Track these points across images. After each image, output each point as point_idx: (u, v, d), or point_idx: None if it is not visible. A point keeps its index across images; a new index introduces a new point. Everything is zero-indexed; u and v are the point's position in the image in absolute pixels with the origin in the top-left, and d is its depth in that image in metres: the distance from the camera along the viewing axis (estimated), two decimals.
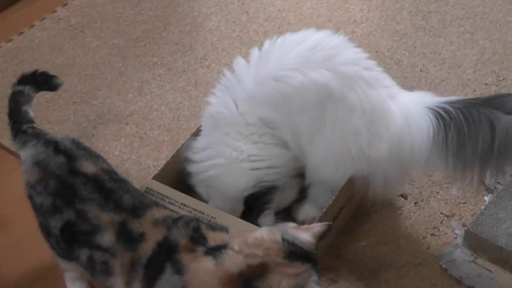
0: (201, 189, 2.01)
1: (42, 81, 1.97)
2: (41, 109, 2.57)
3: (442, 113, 1.78)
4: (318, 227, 1.51)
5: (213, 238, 1.54)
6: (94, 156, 1.71)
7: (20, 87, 1.91)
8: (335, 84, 1.82)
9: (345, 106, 1.83)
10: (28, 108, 1.88)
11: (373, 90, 1.85)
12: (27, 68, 2.71)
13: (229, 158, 1.93)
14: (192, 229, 1.56)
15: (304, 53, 1.85)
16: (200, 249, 1.51)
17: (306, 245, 1.48)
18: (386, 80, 1.93)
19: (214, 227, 1.58)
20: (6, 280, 2.05)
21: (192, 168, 2.01)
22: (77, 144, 1.73)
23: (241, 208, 1.93)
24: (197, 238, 1.54)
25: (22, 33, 2.94)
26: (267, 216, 1.92)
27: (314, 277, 1.46)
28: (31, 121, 1.84)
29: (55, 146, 1.70)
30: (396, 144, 1.84)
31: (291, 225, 1.54)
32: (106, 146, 2.41)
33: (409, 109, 1.85)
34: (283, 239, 1.47)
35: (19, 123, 1.82)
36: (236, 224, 1.81)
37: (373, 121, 1.84)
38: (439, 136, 1.77)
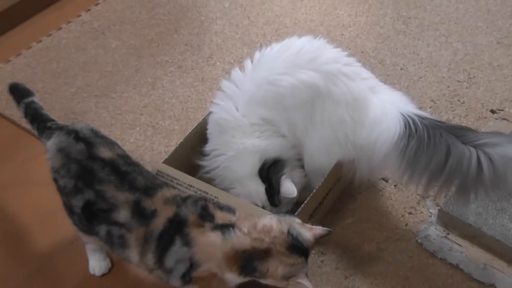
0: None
1: (21, 87, 1.94)
2: (67, 101, 2.56)
3: (411, 123, 1.77)
4: (319, 230, 1.52)
5: (220, 217, 1.54)
6: (110, 143, 1.71)
7: (29, 99, 1.88)
8: (320, 82, 1.82)
9: (331, 100, 1.83)
10: (45, 112, 1.86)
11: (354, 82, 1.85)
12: (55, 66, 2.74)
13: (236, 149, 1.93)
14: (200, 207, 1.56)
15: (291, 58, 1.87)
16: (208, 225, 1.52)
17: (306, 242, 1.50)
18: (365, 73, 1.93)
19: (221, 207, 1.58)
20: (36, 251, 2.06)
21: (205, 171, 2.00)
22: (95, 132, 1.73)
23: (261, 186, 1.90)
24: (205, 215, 1.54)
25: (50, 34, 2.92)
26: (285, 183, 1.87)
27: (305, 269, 1.49)
28: (53, 120, 1.83)
29: (75, 134, 1.70)
30: (370, 132, 1.84)
31: (297, 220, 1.55)
32: (123, 134, 2.40)
33: (386, 107, 1.84)
34: (289, 232, 1.47)
35: (43, 122, 1.81)
36: (237, 202, 1.80)
37: (355, 110, 1.84)
38: (401, 142, 1.76)
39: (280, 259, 1.45)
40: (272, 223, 1.50)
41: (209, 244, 1.48)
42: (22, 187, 2.27)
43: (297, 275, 1.47)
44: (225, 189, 1.94)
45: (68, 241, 2.04)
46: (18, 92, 1.91)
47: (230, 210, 1.57)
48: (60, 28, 2.95)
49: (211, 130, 2.02)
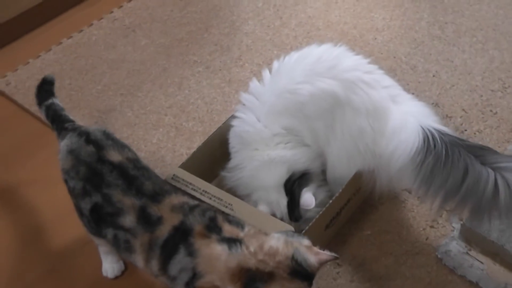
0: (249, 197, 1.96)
1: (48, 87, 1.98)
2: (92, 99, 2.58)
3: (430, 139, 1.73)
4: (325, 256, 1.48)
5: (228, 231, 1.52)
6: (120, 146, 1.71)
7: (49, 101, 1.92)
8: (340, 90, 1.80)
9: (350, 109, 1.81)
10: (66, 113, 1.90)
11: (374, 90, 1.82)
12: (83, 62, 2.76)
13: (261, 161, 1.91)
14: (208, 218, 1.55)
15: (310, 67, 1.85)
16: (214, 237, 1.50)
17: (310, 268, 1.46)
18: (387, 80, 1.90)
19: (230, 221, 1.56)
20: (53, 249, 2.08)
21: (231, 183, 1.99)
22: (106, 135, 1.73)
23: (284, 199, 1.88)
24: (212, 227, 1.53)
25: (81, 31, 2.95)
26: (305, 194, 1.85)
27: None
28: (72, 121, 1.86)
29: (86, 136, 1.71)
30: (388, 142, 1.80)
31: (305, 242, 1.50)
32: (145, 134, 2.41)
33: (406, 119, 1.81)
34: (293, 258, 1.45)
35: (62, 123, 1.84)
36: (252, 211, 1.79)
37: (376, 120, 1.81)
38: (417, 157, 1.73)
39: (282, 284, 1.43)
40: (279, 245, 1.46)
41: (214, 256, 1.47)
42: (43, 185, 2.28)
43: None
44: (248, 195, 1.93)
45: (84, 241, 2.04)
46: (41, 94, 1.95)
47: (239, 224, 1.55)
48: (92, 24, 2.97)
49: (233, 144, 2.00)
